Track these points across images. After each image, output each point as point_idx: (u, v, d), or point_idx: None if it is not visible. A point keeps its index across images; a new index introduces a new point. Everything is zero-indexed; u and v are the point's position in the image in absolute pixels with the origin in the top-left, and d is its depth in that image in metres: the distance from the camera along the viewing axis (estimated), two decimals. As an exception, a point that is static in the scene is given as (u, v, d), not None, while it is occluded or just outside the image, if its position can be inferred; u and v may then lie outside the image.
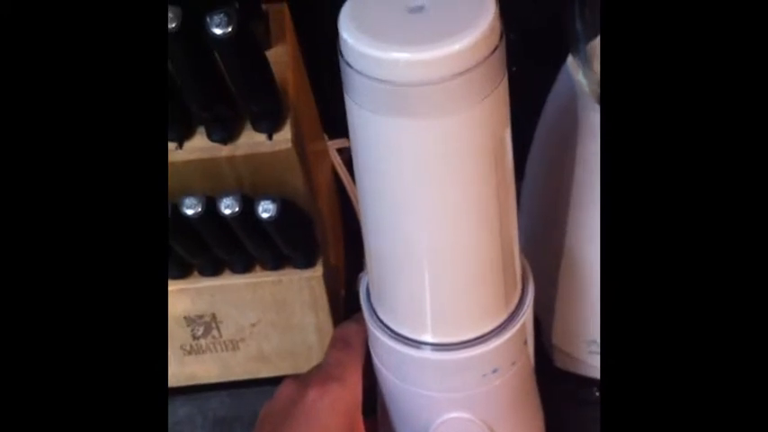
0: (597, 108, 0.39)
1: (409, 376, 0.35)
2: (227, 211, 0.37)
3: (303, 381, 0.35)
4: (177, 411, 0.48)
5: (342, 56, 0.28)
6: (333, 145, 0.54)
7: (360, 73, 0.27)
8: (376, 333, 0.34)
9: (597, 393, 0.46)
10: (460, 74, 0.27)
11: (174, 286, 0.43)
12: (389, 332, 0.34)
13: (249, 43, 0.35)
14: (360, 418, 0.35)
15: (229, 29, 0.33)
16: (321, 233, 0.44)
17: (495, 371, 0.34)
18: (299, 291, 0.43)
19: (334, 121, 0.49)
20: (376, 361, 0.36)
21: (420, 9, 0.28)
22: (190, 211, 0.37)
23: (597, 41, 0.40)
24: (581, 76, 0.41)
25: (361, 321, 0.36)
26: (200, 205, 0.37)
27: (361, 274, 0.46)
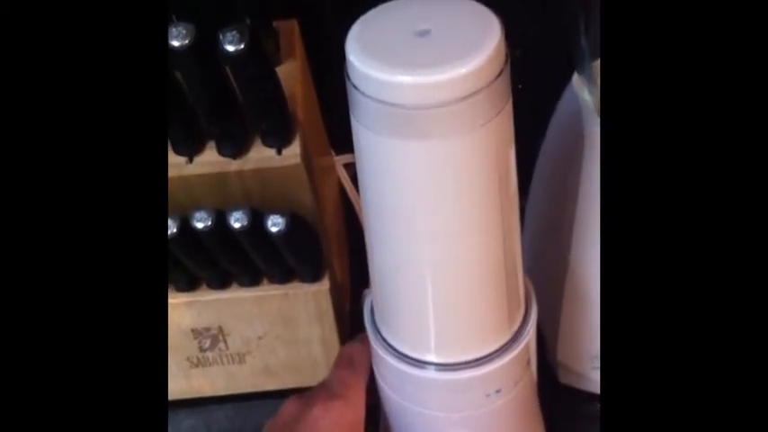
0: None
1: (412, 396, 0.35)
2: (236, 225, 0.37)
3: (307, 398, 0.35)
4: (182, 423, 0.49)
5: (349, 78, 0.28)
6: (339, 160, 0.54)
7: (366, 95, 0.28)
8: (380, 353, 0.35)
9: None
10: (466, 97, 0.27)
11: (182, 299, 0.43)
12: (393, 352, 0.34)
13: (260, 60, 0.35)
14: (362, 435, 0.35)
15: (241, 45, 0.33)
16: (327, 248, 0.44)
17: (498, 391, 0.34)
18: (305, 304, 0.44)
19: (341, 136, 0.49)
20: (379, 380, 0.36)
21: (427, 33, 0.28)
22: (200, 225, 0.37)
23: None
24: (586, 93, 0.41)
25: (366, 341, 0.36)
26: (210, 219, 0.37)
27: (365, 291, 0.46)
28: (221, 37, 0.33)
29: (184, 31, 0.32)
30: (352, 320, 0.48)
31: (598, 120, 0.40)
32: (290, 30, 0.44)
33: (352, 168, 0.54)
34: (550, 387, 0.43)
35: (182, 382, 0.47)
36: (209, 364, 0.46)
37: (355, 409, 0.35)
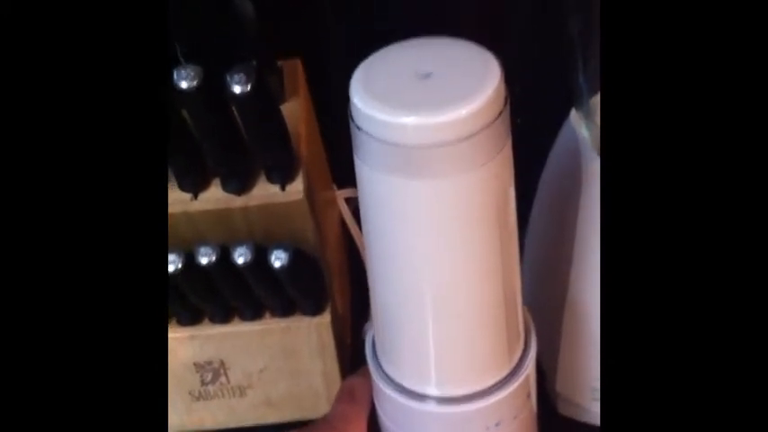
0: (599, 160, 0.40)
1: (413, 429, 0.35)
2: (240, 260, 0.38)
3: None
4: (184, 456, 0.49)
5: (352, 119, 0.29)
6: (341, 194, 0.55)
7: (370, 136, 0.28)
8: (381, 386, 0.35)
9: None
10: (467, 137, 0.28)
11: (184, 333, 0.44)
12: (394, 385, 0.35)
13: (266, 99, 0.36)
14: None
15: (248, 87, 0.34)
16: (329, 281, 0.45)
17: (497, 424, 0.35)
18: (307, 337, 0.44)
19: (342, 170, 0.50)
20: (380, 414, 0.37)
21: (429, 75, 0.29)
22: (204, 260, 0.38)
23: (600, 96, 0.41)
24: (584, 129, 0.42)
25: (367, 375, 0.36)
26: (215, 254, 0.38)
27: (367, 324, 0.46)
28: (228, 78, 0.34)
29: (192, 73, 0.33)
30: (352, 353, 0.49)
31: (596, 155, 0.41)
32: (293, 68, 0.45)
33: (353, 202, 0.55)
34: (550, 419, 0.43)
35: (183, 416, 0.47)
36: (211, 398, 0.47)
37: (357, 443, 0.35)
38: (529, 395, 0.36)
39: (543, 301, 0.44)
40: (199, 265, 0.38)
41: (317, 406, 0.47)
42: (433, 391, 0.34)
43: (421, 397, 0.34)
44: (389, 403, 0.35)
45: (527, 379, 0.35)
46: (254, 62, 0.37)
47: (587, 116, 0.42)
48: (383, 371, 0.35)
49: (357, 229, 0.54)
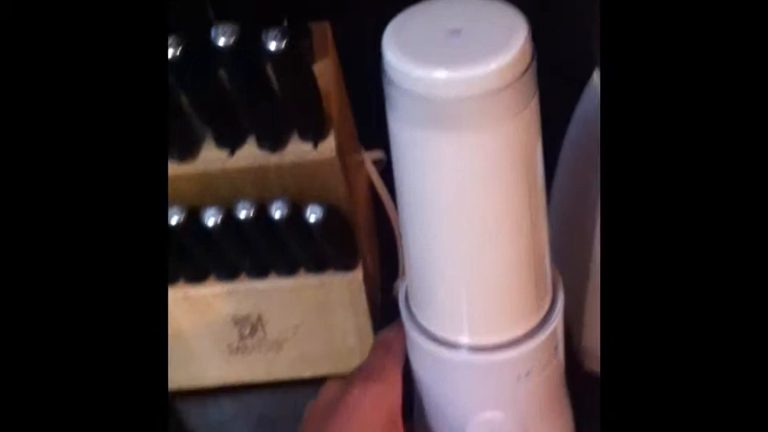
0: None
1: (446, 378, 0.36)
2: (277, 215, 0.39)
3: (346, 381, 0.37)
4: (224, 409, 0.51)
5: (385, 74, 0.30)
6: (369, 156, 0.55)
7: (403, 91, 0.29)
8: (414, 336, 0.36)
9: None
10: (498, 90, 0.29)
11: (222, 288, 0.45)
12: (428, 335, 0.36)
13: (299, 58, 0.37)
14: (399, 416, 0.37)
15: (283, 44, 0.35)
16: (360, 239, 0.46)
17: (527, 373, 0.36)
18: (340, 293, 0.45)
19: (369, 134, 0.51)
20: (414, 365, 0.38)
21: (458, 32, 0.30)
22: (242, 214, 0.39)
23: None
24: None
25: (400, 329, 0.37)
26: (252, 209, 0.39)
27: (396, 283, 0.48)
28: (264, 36, 0.35)
29: (229, 31, 0.34)
30: (382, 313, 0.50)
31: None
32: (322, 30, 0.46)
33: (379, 165, 0.56)
34: (577, 376, 0.44)
35: (222, 369, 0.49)
36: (249, 352, 0.48)
37: (393, 390, 0.36)
38: (557, 347, 0.37)
39: (569, 261, 0.45)
40: (237, 220, 0.39)
41: (350, 362, 0.48)
42: (465, 339, 0.35)
43: (454, 346, 0.35)
44: (423, 353, 0.36)
45: (555, 330, 0.36)
46: (285, 23, 0.38)
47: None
48: (417, 322, 0.36)
49: (385, 191, 0.55)
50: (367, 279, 0.46)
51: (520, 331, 0.35)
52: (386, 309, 0.49)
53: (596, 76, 0.43)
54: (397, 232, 0.50)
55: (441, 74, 0.28)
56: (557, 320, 0.36)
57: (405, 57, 0.29)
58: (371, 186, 0.56)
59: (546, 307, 0.36)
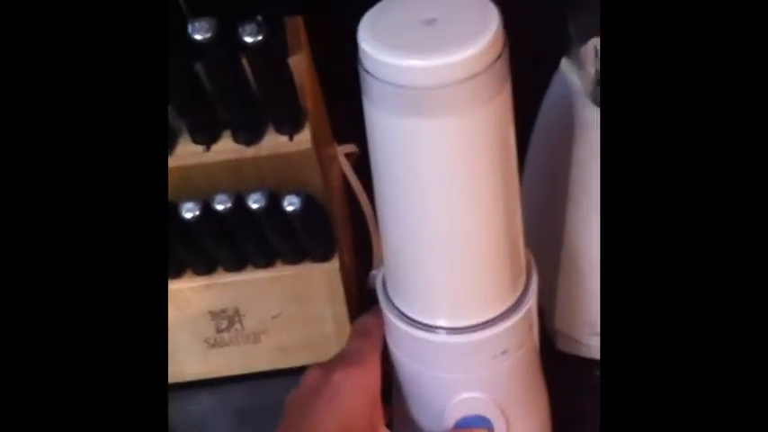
0: (591, 106, 0.42)
1: (425, 360, 0.37)
2: (254, 206, 0.40)
3: (327, 367, 0.38)
4: (202, 403, 0.51)
5: (361, 64, 0.31)
6: (341, 150, 0.56)
7: (379, 79, 0.30)
8: (393, 320, 0.37)
9: (598, 374, 0.49)
10: (471, 77, 0.30)
11: (200, 282, 0.46)
12: (406, 319, 0.37)
13: (275, 51, 0.38)
14: (380, 399, 0.38)
15: (259, 37, 0.36)
16: (336, 229, 0.47)
17: (504, 352, 0.37)
18: (317, 283, 0.46)
19: (341, 127, 0.52)
20: (393, 348, 0.39)
21: (433, 21, 0.31)
22: (220, 207, 0.39)
23: (590, 44, 0.43)
24: (575, 77, 0.44)
25: (378, 314, 0.38)
26: (230, 201, 0.39)
27: (372, 272, 0.48)
28: (240, 29, 0.36)
29: (206, 25, 0.35)
30: (358, 302, 0.51)
31: (587, 101, 0.43)
32: (295, 24, 0.46)
33: (351, 158, 0.56)
34: (550, 355, 0.45)
35: (200, 364, 0.49)
36: (226, 345, 0.49)
37: (373, 373, 0.37)
38: (531, 327, 0.38)
39: (541, 244, 0.46)
40: (215, 212, 0.39)
41: (328, 351, 0.48)
42: (443, 322, 0.36)
43: (432, 328, 0.36)
44: (401, 337, 0.37)
45: (530, 310, 0.37)
46: (259, 18, 0.39)
47: (578, 64, 0.44)
48: (395, 306, 0.37)
49: (358, 183, 0.56)
50: (343, 269, 0.47)
51: (496, 312, 0.36)
52: (362, 298, 0.50)
53: (564, 63, 0.45)
54: (370, 224, 0.51)
55: (415, 62, 0.29)
56: (531, 300, 0.37)
57: (380, 46, 0.30)
58: (345, 179, 0.57)
59: (521, 288, 0.37)
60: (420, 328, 0.36)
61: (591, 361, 0.49)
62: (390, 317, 0.37)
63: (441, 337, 0.36)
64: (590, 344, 0.48)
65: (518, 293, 0.37)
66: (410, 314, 0.37)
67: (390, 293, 0.38)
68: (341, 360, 0.38)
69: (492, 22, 0.30)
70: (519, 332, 0.37)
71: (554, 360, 0.43)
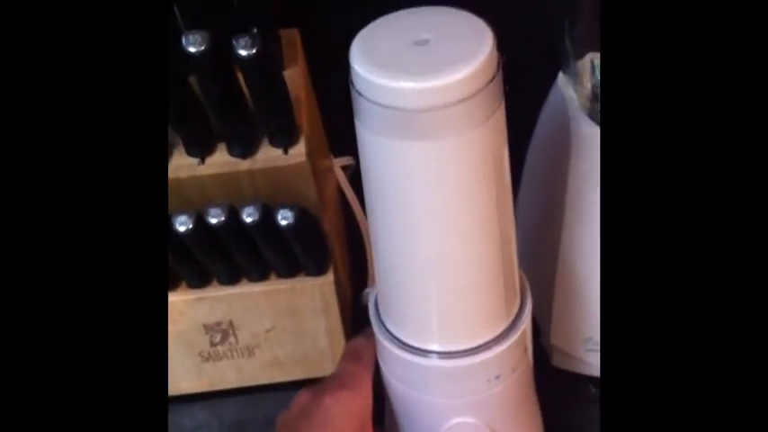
0: (587, 121, 0.42)
1: (417, 384, 0.37)
2: (248, 219, 0.39)
3: (317, 389, 0.37)
4: (196, 417, 0.50)
5: (353, 85, 0.30)
6: (337, 162, 0.56)
7: (370, 101, 0.30)
8: (385, 344, 0.36)
9: (594, 390, 0.48)
10: (463, 100, 0.29)
11: (193, 295, 0.45)
12: (398, 342, 0.36)
13: (270, 64, 0.37)
14: (370, 423, 0.37)
15: (254, 50, 0.35)
16: (330, 243, 0.46)
17: (497, 377, 0.36)
18: (311, 297, 0.46)
19: (338, 140, 0.51)
20: (385, 371, 0.38)
21: (425, 42, 0.30)
22: (214, 220, 0.39)
23: (586, 59, 0.42)
24: (571, 91, 0.43)
25: (370, 336, 0.38)
26: (224, 214, 0.39)
27: (366, 290, 0.48)
28: (235, 42, 0.35)
29: (200, 38, 0.34)
30: (353, 317, 0.50)
31: (584, 116, 0.42)
32: (291, 37, 0.46)
33: (348, 170, 0.56)
34: (545, 371, 0.45)
35: (194, 377, 0.49)
36: (220, 359, 0.48)
37: (364, 396, 0.37)
38: (526, 349, 0.38)
39: (536, 260, 0.46)
40: (209, 225, 0.39)
41: (322, 365, 0.48)
42: (435, 346, 0.35)
43: (424, 352, 0.35)
44: (393, 360, 0.37)
45: (524, 333, 0.37)
46: (255, 30, 0.38)
47: (574, 78, 0.43)
48: (387, 330, 0.37)
49: (354, 196, 0.55)
50: (338, 283, 0.47)
51: (489, 336, 0.36)
52: (357, 314, 0.50)
53: (561, 78, 0.44)
54: (365, 238, 0.50)
55: (407, 84, 0.29)
56: (525, 323, 0.37)
57: (372, 67, 0.29)
58: (341, 193, 0.56)
59: (515, 311, 0.37)
60: (412, 352, 0.36)
61: (587, 377, 0.48)
62: (382, 339, 0.37)
63: (432, 362, 0.35)
64: (586, 360, 0.47)
65: (512, 317, 0.36)
66: (402, 337, 0.36)
67: (382, 315, 0.37)
68: (332, 383, 0.37)
69: (485, 44, 0.30)
70: (513, 356, 0.37)
71: (549, 377, 0.43)
